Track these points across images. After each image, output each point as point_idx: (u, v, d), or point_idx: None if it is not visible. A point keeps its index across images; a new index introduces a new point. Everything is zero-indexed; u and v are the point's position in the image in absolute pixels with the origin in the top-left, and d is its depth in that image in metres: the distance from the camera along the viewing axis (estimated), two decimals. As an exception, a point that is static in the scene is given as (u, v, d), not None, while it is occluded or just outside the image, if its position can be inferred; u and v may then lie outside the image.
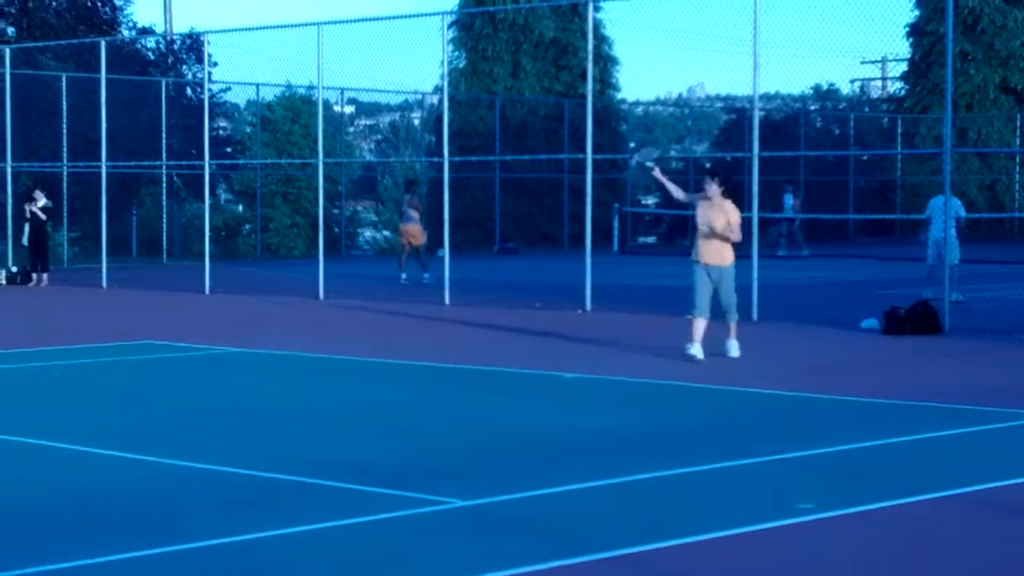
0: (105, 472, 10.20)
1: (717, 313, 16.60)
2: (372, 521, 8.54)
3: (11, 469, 10.41)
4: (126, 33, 43.93)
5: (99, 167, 29.99)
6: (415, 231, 29.83)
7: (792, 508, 8.76)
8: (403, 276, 29.51)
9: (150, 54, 43.79)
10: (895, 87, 58.83)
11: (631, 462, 10.34)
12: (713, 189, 16.23)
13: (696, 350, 16.12)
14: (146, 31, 45.09)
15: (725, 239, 16.18)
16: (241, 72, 42.31)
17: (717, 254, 16.22)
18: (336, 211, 43.23)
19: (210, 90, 36.29)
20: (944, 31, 20.51)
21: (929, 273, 23.24)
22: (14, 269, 30.32)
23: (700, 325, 16.25)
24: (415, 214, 29.92)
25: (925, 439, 11.39)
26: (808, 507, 8.78)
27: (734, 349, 16.46)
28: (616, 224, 42.37)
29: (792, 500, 8.99)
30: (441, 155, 26.42)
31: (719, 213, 16.20)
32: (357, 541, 8.18)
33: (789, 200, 40.68)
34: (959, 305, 21.19)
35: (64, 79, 36.61)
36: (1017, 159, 51.46)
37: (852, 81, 61.86)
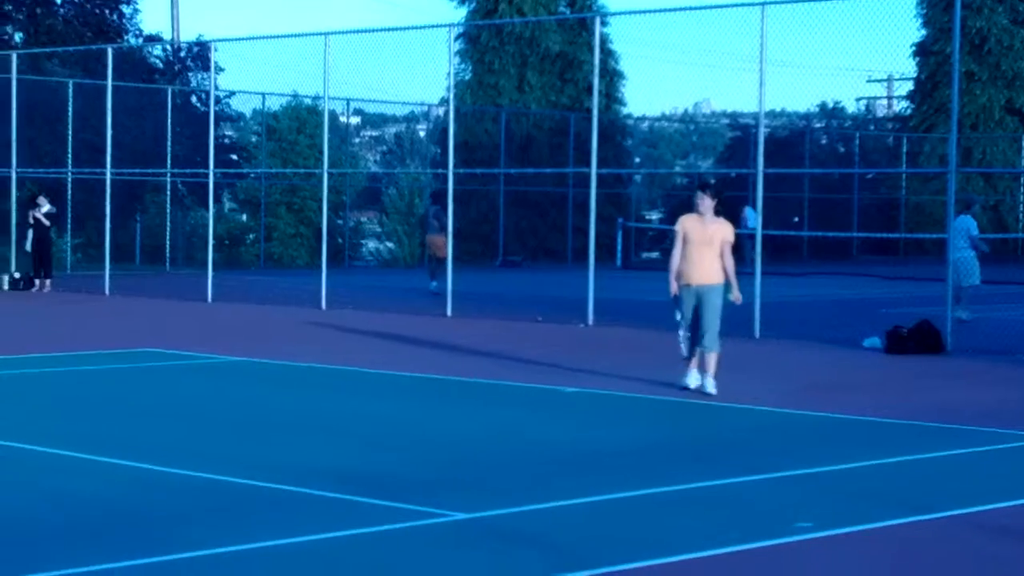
0: (99, 479, 10.18)
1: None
2: (371, 533, 8.52)
3: (3, 474, 10.39)
4: (133, 41, 43.96)
5: (104, 174, 30.00)
6: (442, 242, 29.69)
7: (791, 526, 8.74)
8: (433, 285, 29.19)
9: (157, 61, 43.82)
10: (901, 106, 58.89)
11: (631, 477, 10.32)
12: (706, 203, 15.10)
13: (692, 379, 15.16)
14: (153, 38, 45.12)
15: (716, 257, 15.03)
16: (247, 81, 42.32)
17: (707, 272, 15.03)
18: (340, 222, 43.25)
19: (216, 98, 36.31)
20: (951, 51, 20.52)
21: (955, 293, 22.90)
22: (17, 275, 30.30)
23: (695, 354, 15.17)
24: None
25: (926, 459, 11.37)
26: (807, 526, 8.75)
27: (710, 385, 14.97)
28: (620, 239, 42.35)
29: (791, 518, 8.96)
30: (446, 167, 26.42)
31: (714, 229, 15.10)
32: (355, 553, 8.16)
33: (752, 215, 40.32)
34: (965, 325, 21.18)
35: (71, 85, 36.66)
36: (1021, 179, 51.47)
37: (858, 99, 61.95)
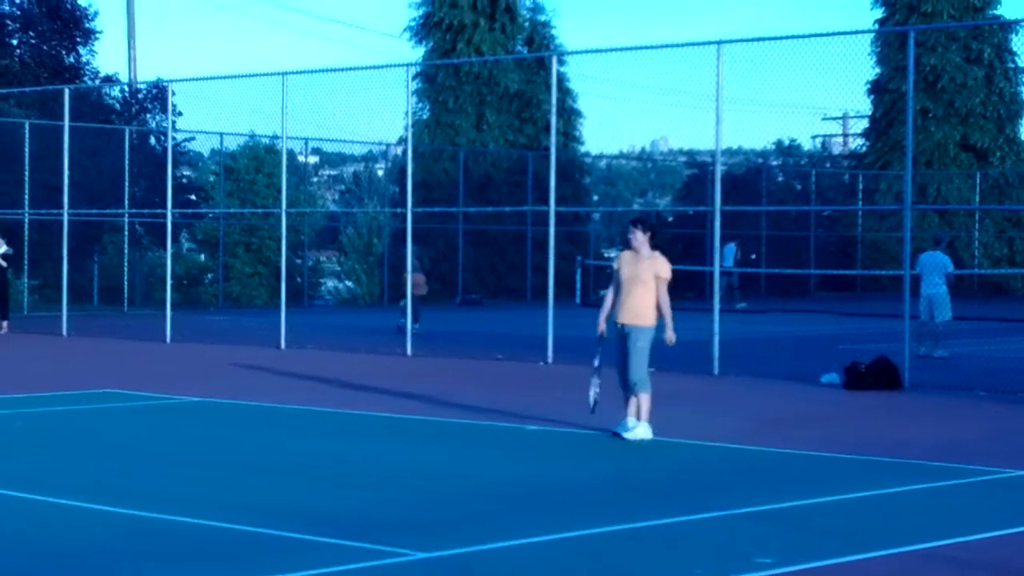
0: (57, 521, 10.12)
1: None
2: (332, 572, 8.51)
3: (-33, 518, 10.34)
4: (90, 82, 43.88)
5: (61, 214, 29.91)
6: (420, 281, 29.69)
7: (751, 562, 8.77)
8: (416, 327, 28.75)
9: (115, 103, 43.73)
10: (856, 143, 59.27)
11: (594, 515, 10.34)
12: (638, 238, 14.43)
13: (629, 427, 14.41)
14: (110, 79, 45.05)
15: (647, 294, 14.35)
16: (205, 121, 42.18)
17: (632, 311, 14.37)
18: (299, 261, 43.19)
19: (174, 139, 36.24)
20: (905, 88, 20.69)
21: (918, 329, 23.13)
22: (-26, 317, 30.12)
23: (632, 397, 14.52)
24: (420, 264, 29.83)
25: (884, 495, 11.43)
26: (767, 562, 8.79)
27: (639, 430, 14.28)
28: (579, 276, 42.44)
29: (751, 554, 9.00)
30: (404, 206, 26.45)
31: (646, 265, 14.42)
32: (316, 593, 8.15)
33: (731, 251, 40.70)
34: (939, 361, 21.58)
35: (27, 126, 36.55)
36: (976, 216, 51.85)
37: (814, 137, 62.30)
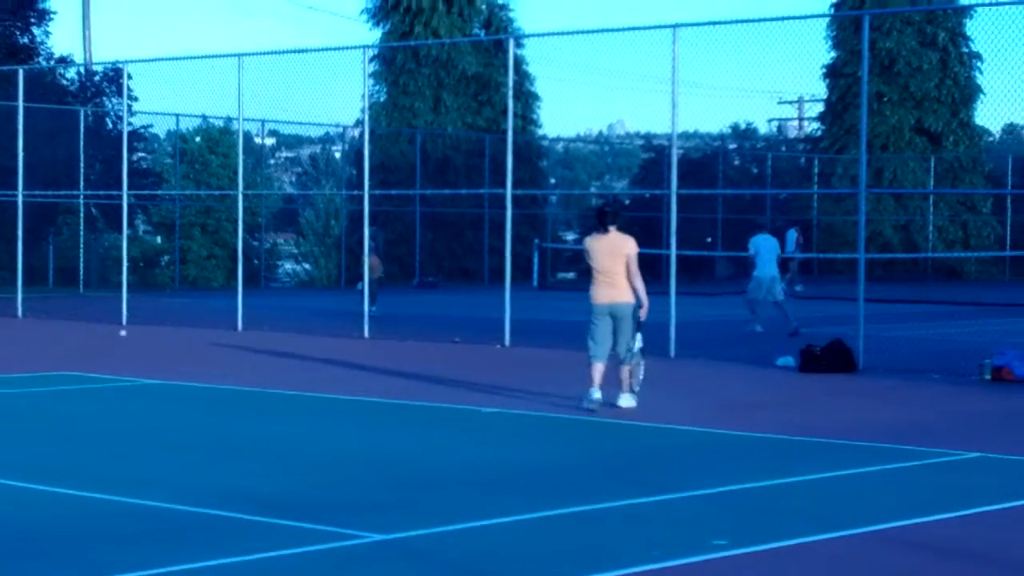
0: (11, 503, 10.09)
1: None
2: (288, 555, 8.51)
3: (-79, 501, 10.29)
4: (44, 63, 43.56)
5: (15, 196, 29.73)
6: (376, 263, 29.70)
7: (707, 544, 8.83)
8: (373, 309, 28.67)
9: (71, 84, 43.44)
10: (812, 127, 59.52)
11: (548, 497, 10.38)
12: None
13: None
14: (65, 60, 44.73)
15: None
16: (162, 103, 41.93)
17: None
18: (256, 243, 43.06)
19: (130, 123, 36.06)
20: (860, 73, 20.79)
21: (752, 307, 25.41)
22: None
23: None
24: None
25: (838, 476, 11.51)
26: (722, 543, 8.84)
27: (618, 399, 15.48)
28: (536, 259, 42.49)
29: (707, 536, 9.05)
30: (361, 188, 26.42)
31: None
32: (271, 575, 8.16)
33: (793, 236, 41.59)
34: (752, 334, 23.59)
35: (-20, 107, 36.29)
36: (931, 199, 52.15)
37: (770, 121, 62.56)
